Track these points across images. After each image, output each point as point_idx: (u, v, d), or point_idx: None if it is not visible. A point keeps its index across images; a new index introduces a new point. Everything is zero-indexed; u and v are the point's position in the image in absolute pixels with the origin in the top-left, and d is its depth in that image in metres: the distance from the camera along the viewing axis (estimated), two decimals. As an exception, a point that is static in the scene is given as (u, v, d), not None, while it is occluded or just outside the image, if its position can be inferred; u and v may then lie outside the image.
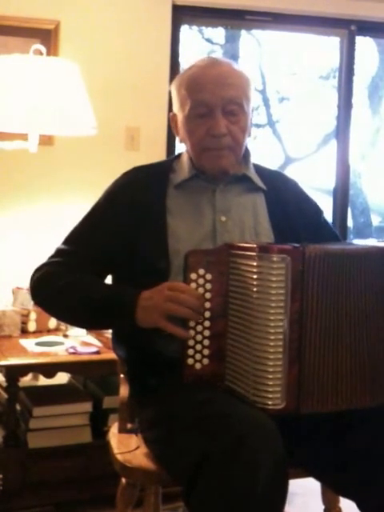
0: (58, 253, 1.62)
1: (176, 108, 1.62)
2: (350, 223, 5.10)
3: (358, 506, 1.38)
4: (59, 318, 1.81)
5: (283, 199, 1.67)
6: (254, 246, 1.34)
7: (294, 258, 1.29)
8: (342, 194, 3.57)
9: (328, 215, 3.60)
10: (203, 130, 1.56)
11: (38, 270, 1.60)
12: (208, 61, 1.60)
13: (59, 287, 1.54)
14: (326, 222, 1.77)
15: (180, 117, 1.61)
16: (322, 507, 1.81)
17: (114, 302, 1.48)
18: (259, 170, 1.69)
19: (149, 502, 1.54)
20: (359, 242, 1.50)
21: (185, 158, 1.65)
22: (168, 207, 1.59)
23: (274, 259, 1.29)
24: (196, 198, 1.61)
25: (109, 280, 1.65)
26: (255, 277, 1.31)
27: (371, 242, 1.50)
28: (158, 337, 1.49)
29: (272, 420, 1.27)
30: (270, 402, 1.29)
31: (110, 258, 1.59)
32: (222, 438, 1.23)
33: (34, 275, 1.60)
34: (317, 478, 1.52)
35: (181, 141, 1.65)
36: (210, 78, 1.55)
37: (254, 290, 1.31)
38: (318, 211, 1.75)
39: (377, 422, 1.38)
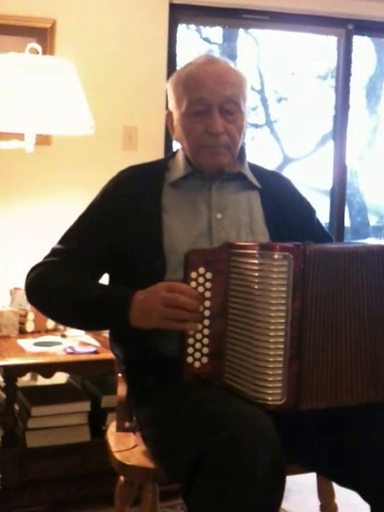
0: (54, 252, 1.61)
1: (172, 106, 1.62)
2: (347, 223, 5.09)
3: (360, 494, 1.39)
4: (54, 319, 1.81)
5: (278, 198, 1.67)
6: (256, 244, 1.35)
7: (295, 256, 1.30)
8: (339, 194, 3.58)
9: (325, 215, 3.61)
10: (201, 128, 1.55)
11: (32, 269, 1.59)
12: (205, 58, 1.60)
13: (54, 288, 1.54)
14: (318, 221, 1.77)
15: (176, 114, 1.60)
16: (318, 503, 1.81)
17: (107, 305, 1.47)
18: (255, 169, 1.69)
19: (146, 500, 1.54)
20: (358, 241, 1.50)
21: (180, 156, 1.65)
22: (164, 205, 1.59)
23: (276, 257, 1.30)
24: (191, 195, 1.61)
25: (105, 279, 1.65)
26: (256, 275, 1.31)
27: (371, 240, 1.50)
28: (155, 335, 1.49)
29: (269, 416, 1.28)
30: (269, 398, 1.29)
31: (106, 256, 1.59)
32: (218, 436, 1.23)
33: (28, 275, 1.59)
34: (316, 470, 1.52)
35: (176, 139, 1.65)
36: (208, 75, 1.54)
37: (256, 287, 1.31)
38: (311, 211, 1.76)
39: (373, 409, 1.38)
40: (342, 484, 1.44)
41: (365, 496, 1.38)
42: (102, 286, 1.59)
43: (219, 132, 1.54)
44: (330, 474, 1.48)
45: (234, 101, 1.55)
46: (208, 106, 1.54)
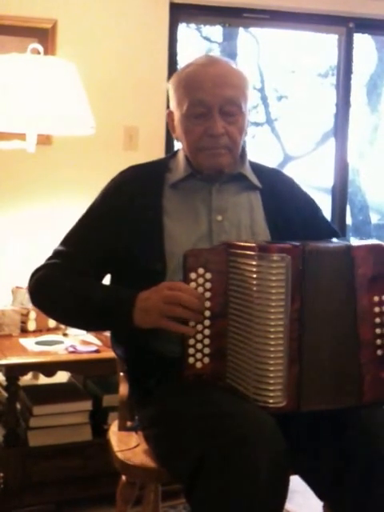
0: (56, 254, 1.61)
1: (173, 106, 1.62)
2: (348, 221, 5.09)
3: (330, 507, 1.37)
4: (58, 320, 1.82)
5: (279, 197, 1.66)
6: (254, 245, 1.34)
7: (293, 256, 1.29)
8: (341, 192, 3.58)
9: (327, 213, 3.60)
10: (200, 130, 1.55)
11: (35, 272, 1.60)
12: (206, 59, 1.59)
13: (57, 290, 1.54)
14: (323, 218, 1.76)
15: (177, 115, 1.60)
16: (322, 504, 1.81)
17: (110, 305, 1.47)
18: (256, 168, 1.69)
19: (148, 500, 1.54)
20: (359, 240, 1.49)
21: (180, 157, 1.65)
22: (164, 208, 1.59)
23: (274, 258, 1.29)
24: (192, 197, 1.61)
25: (107, 281, 1.65)
26: (255, 276, 1.31)
27: (353, 240, 1.49)
28: (156, 336, 1.49)
29: (272, 418, 1.27)
30: (271, 401, 1.29)
31: (107, 258, 1.59)
32: (221, 436, 1.23)
33: (31, 278, 1.60)
34: (310, 482, 1.47)
35: (176, 139, 1.65)
36: (208, 77, 1.54)
37: (254, 289, 1.31)
38: (314, 208, 1.75)
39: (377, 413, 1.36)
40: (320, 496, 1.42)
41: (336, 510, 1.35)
42: (105, 286, 1.60)
43: (219, 134, 1.54)
44: (322, 492, 1.42)
45: (235, 102, 1.55)
46: (208, 107, 1.53)
